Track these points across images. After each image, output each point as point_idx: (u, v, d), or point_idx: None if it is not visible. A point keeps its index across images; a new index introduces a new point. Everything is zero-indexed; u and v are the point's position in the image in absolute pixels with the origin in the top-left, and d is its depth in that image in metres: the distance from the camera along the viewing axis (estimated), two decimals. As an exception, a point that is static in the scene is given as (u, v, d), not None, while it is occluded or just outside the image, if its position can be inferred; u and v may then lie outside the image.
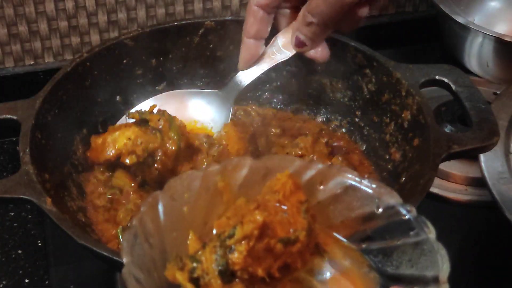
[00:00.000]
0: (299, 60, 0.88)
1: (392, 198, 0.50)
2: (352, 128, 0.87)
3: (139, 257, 0.46)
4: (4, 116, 0.74)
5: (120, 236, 0.73)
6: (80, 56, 0.82)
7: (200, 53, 0.88)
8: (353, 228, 0.51)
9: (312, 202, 0.51)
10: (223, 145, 0.80)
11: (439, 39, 1.09)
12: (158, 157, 0.75)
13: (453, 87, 0.78)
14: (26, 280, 0.80)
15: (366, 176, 0.52)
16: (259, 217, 0.46)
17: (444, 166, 0.88)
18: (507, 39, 0.97)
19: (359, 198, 0.51)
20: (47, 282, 0.79)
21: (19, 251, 0.83)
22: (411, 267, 0.47)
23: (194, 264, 0.47)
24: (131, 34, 0.84)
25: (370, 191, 0.51)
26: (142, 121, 0.77)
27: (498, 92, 0.97)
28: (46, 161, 0.73)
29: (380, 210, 0.50)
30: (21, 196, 0.66)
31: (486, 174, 0.81)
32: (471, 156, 0.84)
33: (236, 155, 0.80)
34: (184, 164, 0.77)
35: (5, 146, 0.96)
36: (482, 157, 0.82)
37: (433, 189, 0.88)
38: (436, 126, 0.74)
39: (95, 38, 1.00)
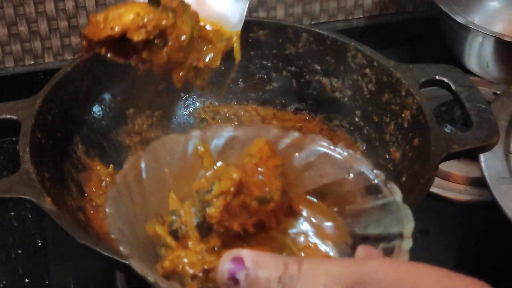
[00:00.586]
0: (299, 60, 0.88)
1: (362, 165, 0.53)
2: (352, 128, 0.87)
3: (121, 211, 0.48)
4: (4, 116, 0.74)
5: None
6: (80, 56, 0.82)
7: (200, 53, 0.88)
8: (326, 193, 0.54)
9: (287, 168, 0.53)
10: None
11: (439, 39, 1.09)
12: (170, 41, 0.66)
13: (453, 87, 0.78)
14: (26, 280, 0.80)
15: (338, 144, 0.55)
16: (235, 175, 0.49)
17: (444, 166, 0.88)
18: (507, 39, 0.97)
19: (332, 165, 0.54)
20: (47, 282, 0.80)
21: (19, 251, 0.83)
22: (377, 227, 0.50)
23: (173, 217, 0.49)
24: (131, 34, 0.84)
25: (341, 158, 0.53)
26: (153, 0, 0.66)
27: (498, 92, 0.97)
28: (46, 160, 0.73)
29: (351, 175, 0.53)
30: (21, 196, 0.66)
31: (486, 174, 0.81)
32: (471, 156, 0.84)
33: None
34: (193, 56, 0.68)
35: (5, 146, 0.97)
36: (482, 157, 0.82)
37: (433, 189, 0.88)
38: (436, 126, 0.74)
39: (95, 38, 1.00)
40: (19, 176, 0.67)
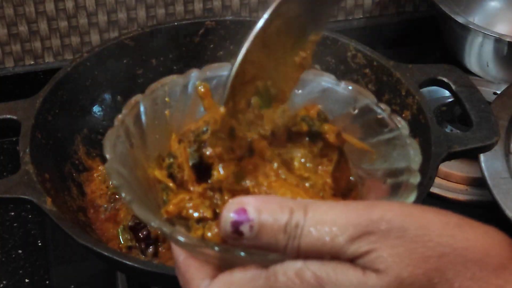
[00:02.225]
0: (299, 60, 0.88)
1: (367, 98, 0.51)
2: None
3: (121, 155, 0.46)
4: (4, 116, 0.74)
5: (120, 232, 0.72)
6: (80, 56, 0.82)
7: (200, 53, 0.88)
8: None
9: (290, 106, 0.51)
10: None
11: (439, 39, 1.09)
12: None
13: (453, 87, 0.78)
14: (26, 280, 0.80)
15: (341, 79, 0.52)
16: (222, 109, 0.47)
17: (444, 166, 0.88)
18: (507, 39, 0.97)
19: (336, 101, 0.52)
20: (47, 282, 0.80)
21: (19, 251, 0.83)
22: (384, 162, 0.48)
23: (171, 160, 0.47)
24: (131, 34, 0.84)
25: (346, 93, 0.51)
26: None
27: (498, 92, 0.97)
28: (46, 161, 0.73)
29: (356, 111, 0.51)
30: (21, 196, 0.66)
31: (486, 174, 0.81)
32: (471, 156, 0.84)
33: None
34: None
35: (5, 146, 0.96)
36: (482, 157, 0.82)
37: (433, 189, 0.88)
38: (436, 126, 0.74)
39: (95, 38, 1.00)
40: (19, 176, 0.67)
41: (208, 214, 0.45)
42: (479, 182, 0.87)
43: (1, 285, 0.79)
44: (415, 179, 0.45)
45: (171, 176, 0.47)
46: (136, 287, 0.76)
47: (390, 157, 0.48)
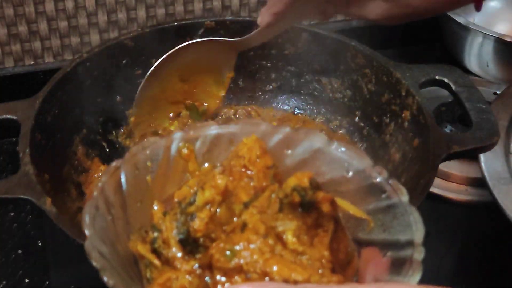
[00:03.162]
0: (299, 60, 0.88)
1: (362, 161, 0.48)
2: (352, 128, 0.87)
3: (101, 230, 0.44)
4: (4, 116, 0.74)
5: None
6: (80, 56, 0.82)
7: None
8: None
9: (279, 167, 0.49)
10: None
11: (439, 39, 1.09)
12: None
13: (453, 87, 0.78)
14: (26, 280, 0.79)
15: (334, 140, 0.49)
16: (220, 181, 0.45)
17: (444, 166, 0.88)
18: (507, 39, 0.97)
19: (328, 162, 0.49)
20: (47, 283, 0.79)
21: (19, 252, 0.83)
22: (383, 231, 0.46)
23: (155, 234, 0.45)
24: (131, 34, 0.84)
25: (339, 154, 0.49)
26: None
27: (498, 92, 0.97)
28: (46, 161, 0.73)
29: (350, 174, 0.48)
30: (20, 197, 0.66)
31: (486, 174, 0.81)
32: (471, 156, 0.84)
33: None
34: None
35: (5, 146, 0.96)
36: (482, 157, 0.82)
37: (433, 189, 0.88)
38: (436, 126, 0.73)
39: (95, 38, 1.00)
40: (19, 177, 0.67)
41: None
42: (479, 182, 0.87)
43: (1, 286, 0.79)
44: (420, 254, 0.42)
45: (155, 251, 0.45)
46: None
47: (390, 227, 0.45)
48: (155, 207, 0.47)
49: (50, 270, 0.81)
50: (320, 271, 0.43)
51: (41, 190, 0.66)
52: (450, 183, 0.91)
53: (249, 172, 0.47)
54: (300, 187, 0.44)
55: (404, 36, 1.14)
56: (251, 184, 0.47)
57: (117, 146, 0.85)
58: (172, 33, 0.86)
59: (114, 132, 0.85)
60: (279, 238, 0.43)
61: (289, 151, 0.50)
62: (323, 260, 0.43)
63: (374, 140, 0.84)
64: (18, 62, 0.99)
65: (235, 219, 0.45)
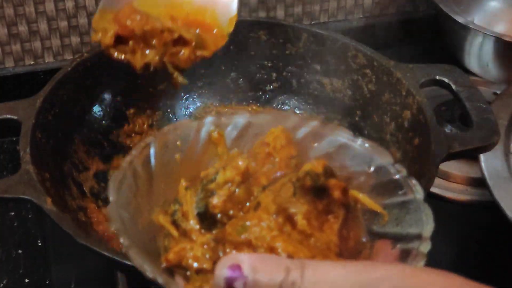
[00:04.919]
0: (300, 60, 0.88)
1: (384, 158, 0.50)
2: (352, 128, 0.87)
3: (125, 199, 0.46)
4: (4, 116, 0.74)
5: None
6: (80, 56, 0.82)
7: (200, 53, 0.88)
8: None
9: (303, 159, 0.50)
10: None
11: (439, 39, 1.09)
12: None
13: (453, 87, 0.78)
14: (26, 280, 0.80)
15: (359, 136, 0.51)
16: (241, 163, 0.47)
17: (444, 166, 0.88)
18: (507, 39, 0.97)
19: (352, 157, 0.51)
20: (47, 282, 0.79)
21: (19, 251, 0.83)
22: (396, 225, 0.47)
23: (176, 207, 0.47)
24: (131, 34, 0.84)
25: (362, 150, 0.51)
26: None
27: (498, 92, 0.97)
28: (47, 160, 0.73)
29: (372, 169, 0.50)
30: (21, 196, 0.66)
31: (486, 174, 0.81)
32: (471, 156, 0.84)
33: None
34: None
35: (5, 146, 0.96)
36: (482, 157, 0.82)
37: (433, 189, 0.88)
38: (436, 126, 0.74)
39: (95, 38, 1.00)
40: (20, 176, 0.67)
41: (208, 266, 0.44)
42: (479, 182, 0.87)
43: (1, 285, 0.79)
44: (426, 247, 0.44)
45: (174, 223, 0.47)
46: (136, 287, 0.76)
47: (403, 222, 0.47)
48: (183, 183, 0.48)
49: (50, 269, 0.81)
50: (325, 253, 0.44)
51: (42, 189, 0.66)
52: (450, 183, 0.91)
53: (272, 159, 0.49)
54: (314, 172, 0.46)
55: (404, 36, 1.14)
56: (273, 170, 0.49)
57: (118, 145, 0.85)
58: (172, 33, 0.86)
59: (114, 131, 0.85)
60: (289, 219, 0.45)
61: (315, 144, 0.52)
62: (330, 245, 0.45)
63: (374, 140, 0.84)
64: (18, 62, 0.99)
65: (252, 200, 0.47)
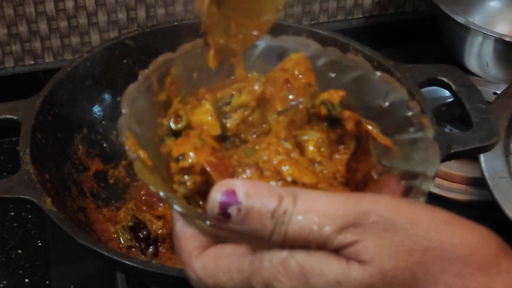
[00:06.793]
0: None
1: (399, 94, 0.49)
2: (352, 128, 0.87)
3: (138, 113, 0.45)
4: (4, 116, 0.74)
5: (120, 232, 0.72)
6: (80, 56, 0.82)
7: (200, 53, 0.88)
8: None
9: (321, 88, 0.50)
10: None
11: (439, 39, 1.09)
12: None
13: (453, 87, 0.78)
14: (26, 280, 0.80)
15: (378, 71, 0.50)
16: (257, 87, 0.47)
17: (444, 166, 0.88)
18: (507, 39, 0.97)
19: (369, 90, 0.50)
20: (47, 282, 0.80)
21: (19, 251, 0.83)
22: (404, 162, 0.47)
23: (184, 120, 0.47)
24: (131, 34, 0.84)
25: (380, 84, 0.50)
26: None
27: (498, 92, 0.97)
28: (46, 161, 0.73)
29: (387, 103, 0.49)
30: (21, 196, 0.66)
31: (486, 174, 0.81)
32: (471, 156, 0.84)
33: None
34: None
35: (5, 146, 0.96)
36: (482, 157, 0.82)
37: (433, 189, 0.88)
38: (436, 126, 0.73)
39: (95, 38, 1.00)
40: (20, 176, 0.67)
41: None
42: (479, 182, 0.87)
43: (1, 285, 0.79)
44: (427, 186, 0.44)
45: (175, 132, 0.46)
46: (136, 287, 0.76)
47: (411, 159, 0.47)
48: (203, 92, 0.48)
49: (50, 269, 0.81)
50: (330, 181, 0.45)
51: (42, 189, 0.66)
52: (450, 183, 0.91)
53: (290, 85, 0.49)
54: (329, 102, 0.47)
55: (404, 36, 1.14)
56: (290, 97, 0.48)
57: (117, 145, 0.85)
58: (172, 33, 0.86)
59: (114, 131, 0.85)
60: (300, 146, 0.46)
61: (334, 74, 0.51)
62: (337, 174, 0.46)
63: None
64: (18, 62, 0.99)
65: (265, 125, 0.47)
